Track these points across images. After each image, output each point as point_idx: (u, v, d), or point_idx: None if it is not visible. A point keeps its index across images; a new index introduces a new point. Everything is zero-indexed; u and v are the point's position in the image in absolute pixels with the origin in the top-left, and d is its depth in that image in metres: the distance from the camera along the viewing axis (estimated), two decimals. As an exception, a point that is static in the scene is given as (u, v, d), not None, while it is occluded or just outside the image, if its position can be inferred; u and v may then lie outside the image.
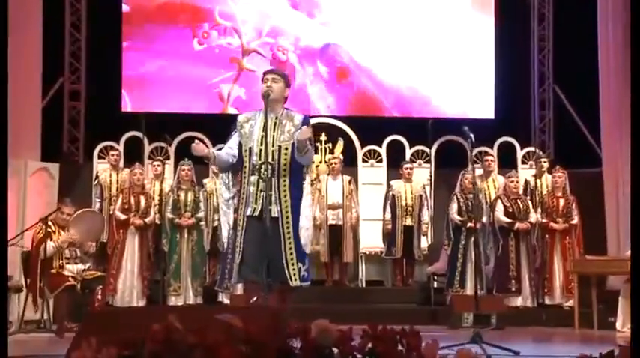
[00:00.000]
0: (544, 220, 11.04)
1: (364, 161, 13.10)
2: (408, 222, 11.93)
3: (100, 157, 12.59)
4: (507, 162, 13.01)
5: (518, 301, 10.64)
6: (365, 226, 12.54)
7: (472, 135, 7.01)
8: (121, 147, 12.53)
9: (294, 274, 6.10)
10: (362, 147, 13.13)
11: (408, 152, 13.06)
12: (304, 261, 6.18)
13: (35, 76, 12.00)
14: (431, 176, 11.89)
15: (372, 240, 12.46)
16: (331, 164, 12.25)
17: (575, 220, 11.03)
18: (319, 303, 11.69)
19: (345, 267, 12.21)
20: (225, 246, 6.44)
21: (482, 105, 14.22)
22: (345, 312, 10.89)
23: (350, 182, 12.15)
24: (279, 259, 6.10)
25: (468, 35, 14.19)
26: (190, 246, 11.06)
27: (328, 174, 12.23)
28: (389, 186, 12.17)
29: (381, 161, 13.10)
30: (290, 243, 6.13)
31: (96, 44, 14.06)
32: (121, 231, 10.87)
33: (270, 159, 6.09)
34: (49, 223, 9.14)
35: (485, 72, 14.19)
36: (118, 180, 11.72)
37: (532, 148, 13.31)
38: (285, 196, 6.17)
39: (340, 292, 12.10)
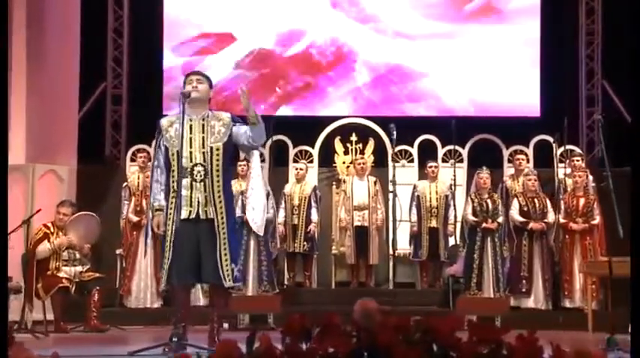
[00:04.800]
0: (563, 220, 10.66)
1: (395, 161, 12.88)
2: (433, 223, 11.72)
3: (132, 160, 12.73)
4: (547, 162, 12.63)
5: (529, 302, 10.38)
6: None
7: (395, 133, 6.84)
8: (152, 149, 12.59)
9: (228, 275, 6.11)
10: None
11: (440, 152, 12.80)
12: (237, 262, 6.23)
13: (72, 82, 12.17)
14: (454, 176, 11.60)
15: (402, 241, 12.20)
16: (358, 164, 12.08)
17: (597, 220, 10.60)
18: (343, 305, 11.58)
19: (372, 268, 12.04)
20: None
21: (527, 103, 13.82)
22: (367, 314, 10.77)
23: (375, 183, 11.97)
24: (214, 260, 6.10)
25: (514, 31, 13.82)
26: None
27: (354, 175, 12.07)
28: (414, 187, 11.95)
29: (412, 161, 12.89)
30: (225, 244, 6.15)
31: (137, 49, 14.28)
32: (134, 232, 10.98)
33: (202, 161, 6.11)
34: (49, 225, 9.28)
35: (531, 69, 13.79)
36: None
37: (572, 146, 12.78)
38: (219, 197, 6.19)
39: (365, 294, 11.84)
